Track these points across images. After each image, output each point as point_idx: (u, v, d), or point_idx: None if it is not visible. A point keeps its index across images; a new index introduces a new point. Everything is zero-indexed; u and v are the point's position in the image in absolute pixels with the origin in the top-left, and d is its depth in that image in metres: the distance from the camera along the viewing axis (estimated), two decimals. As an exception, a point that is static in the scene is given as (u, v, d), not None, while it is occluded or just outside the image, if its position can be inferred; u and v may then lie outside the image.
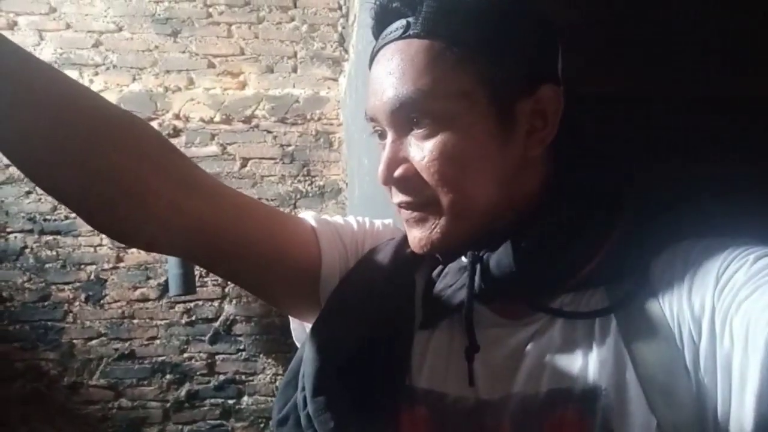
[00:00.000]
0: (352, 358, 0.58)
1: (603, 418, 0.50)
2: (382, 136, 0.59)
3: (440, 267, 0.62)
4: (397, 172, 0.57)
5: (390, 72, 0.56)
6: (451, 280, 0.60)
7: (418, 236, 0.59)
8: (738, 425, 0.46)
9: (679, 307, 0.52)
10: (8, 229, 2.62)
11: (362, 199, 2.10)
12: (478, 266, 0.57)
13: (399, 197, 0.59)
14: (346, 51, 2.77)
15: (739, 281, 0.49)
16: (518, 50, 0.56)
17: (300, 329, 0.72)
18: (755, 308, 0.46)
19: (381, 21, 0.59)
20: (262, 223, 0.63)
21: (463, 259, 0.59)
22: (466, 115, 0.55)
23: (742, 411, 0.45)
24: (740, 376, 0.46)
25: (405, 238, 0.64)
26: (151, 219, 0.56)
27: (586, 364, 0.53)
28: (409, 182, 0.57)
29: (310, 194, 2.78)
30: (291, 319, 0.74)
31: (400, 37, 0.56)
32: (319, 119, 2.78)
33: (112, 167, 0.53)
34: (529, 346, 0.56)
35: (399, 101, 0.55)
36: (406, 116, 0.56)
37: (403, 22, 0.56)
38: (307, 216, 0.68)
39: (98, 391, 2.63)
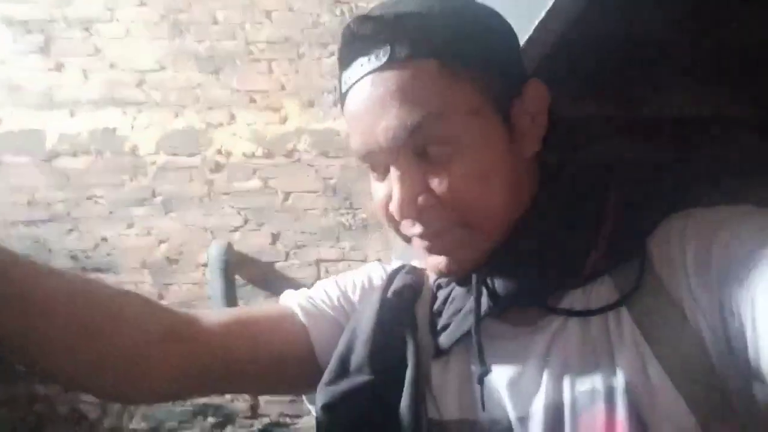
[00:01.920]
0: (367, 408, 0.58)
1: (633, 412, 0.50)
2: (378, 169, 0.57)
3: (443, 294, 0.62)
4: (420, 203, 0.54)
5: (385, 102, 0.53)
6: (459, 304, 0.59)
7: (445, 262, 0.57)
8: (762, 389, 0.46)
9: (685, 283, 0.52)
10: (51, 268, 2.61)
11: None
12: (483, 288, 0.56)
13: (417, 229, 0.56)
14: (388, 82, 2.76)
15: (736, 250, 0.49)
16: (503, 55, 0.56)
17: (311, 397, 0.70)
18: (755, 276, 0.46)
19: (353, 52, 0.55)
20: (250, 339, 0.63)
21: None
22: (479, 130, 0.54)
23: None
24: (754, 345, 0.45)
25: (389, 282, 0.65)
26: (153, 384, 0.59)
27: (607, 360, 0.52)
28: (432, 211, 0.54)
29: (353, 227, 2.72)
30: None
31: (386, 63, 0.52)
32: (362, 151, 2.75)
33: (116, 347, 0.56)
34: (549, 352, 0.55)
35: (407, 130, 0.52)
36: (416, 144, 0.53)
37: (384, 48, 0.53)
38: (289, 300, 0.68)
39: (138, 435, 2.55)
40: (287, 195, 2.73)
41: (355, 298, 0.68)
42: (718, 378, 0.49)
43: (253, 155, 2.72)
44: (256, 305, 0.64)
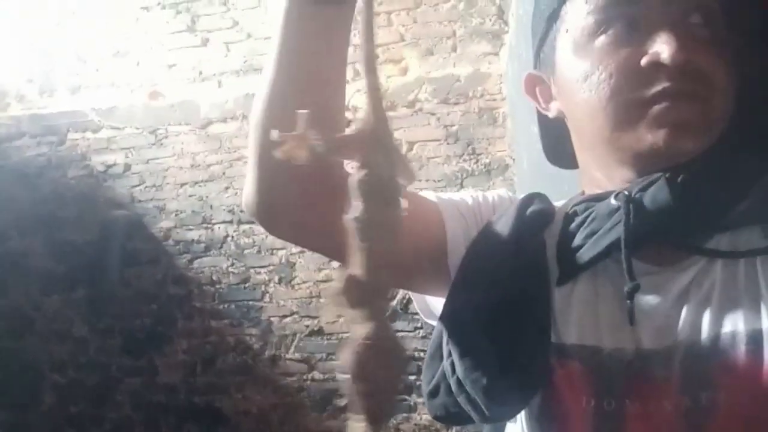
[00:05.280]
0: (493, 321, 0.57)
1: None
2: (622, 29, 0.56)
3: (579, 220, 0.60)
4: (689, 56, 0.53)
5: None
6: (597, 226, 0.57)
7: (674, 133, 0.53)
8: None
9: None
10: (213, 221, 3.00)
11: (532, 171, 2.05)
12: (631, 206, 0.54)
13: (671, 85, 0.53)
14: (506, 23, 2.71)
15: None
16: None
17: (423, 303, 0.73)
18: None
19: None
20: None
21: (612, 201, 0.56)
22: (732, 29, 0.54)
23: None
24: None
25: (525, 203, 0.63)
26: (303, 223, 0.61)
27: (753, 304, 0.51)
28: (694, 71, 0.53)
29: (476, 173, 2.78)
30: (413, 296, 0.75)
31: None
32: (482, 96, 2.76)
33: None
34: (689, 292, 0.54)
35: None
36: (685, 10, 0.54)
37: None
38: (427, 194, 0.68)
39: (294, 363, 2.91)
40: (411, 145, 2.84)
41: (484, 213, 0.68)
42: None
43: (377, 108, 2.86)
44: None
